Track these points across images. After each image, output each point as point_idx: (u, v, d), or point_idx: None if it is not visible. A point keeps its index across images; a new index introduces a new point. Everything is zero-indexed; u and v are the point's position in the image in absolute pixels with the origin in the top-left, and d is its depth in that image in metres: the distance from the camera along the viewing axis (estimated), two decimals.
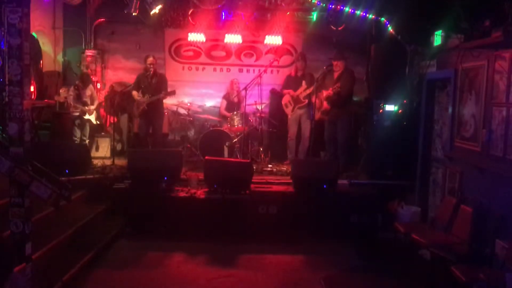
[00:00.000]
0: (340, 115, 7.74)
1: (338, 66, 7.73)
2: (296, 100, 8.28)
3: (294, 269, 5.54)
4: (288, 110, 8.43)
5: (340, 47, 8.46)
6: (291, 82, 8.41)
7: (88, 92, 8.42)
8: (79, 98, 8.31)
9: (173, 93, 8.13)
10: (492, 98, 5.02)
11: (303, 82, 8.23)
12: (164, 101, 8.67)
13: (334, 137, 7.87)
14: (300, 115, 8.34)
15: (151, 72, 8.12)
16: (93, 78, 9.15)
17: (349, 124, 7.87)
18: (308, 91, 8.15)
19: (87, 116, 8.33)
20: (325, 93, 7.69)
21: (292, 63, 9.18)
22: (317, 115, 7.86)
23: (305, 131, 8.27)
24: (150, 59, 8.09)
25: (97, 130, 8.74)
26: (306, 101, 8.21)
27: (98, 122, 8.55)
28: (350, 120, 7.93)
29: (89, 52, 9.31)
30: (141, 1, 7.37)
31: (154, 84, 8.15)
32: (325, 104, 7.74)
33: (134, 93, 8.21)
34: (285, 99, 8.44)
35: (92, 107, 8.39)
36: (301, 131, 8.37)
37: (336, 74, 7.73)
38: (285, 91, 8.42)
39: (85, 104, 8.34)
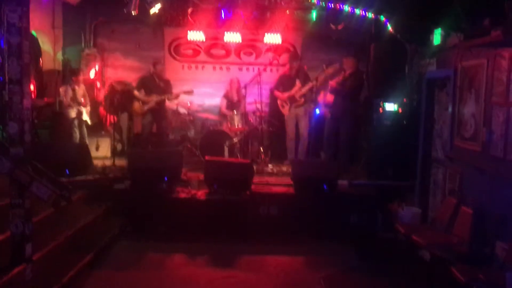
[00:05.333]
0: (343, 112, 7.72)
1: (348, 65, 7.73)
2: (292, 100, 8.27)
3: (295, 269, 5.56)
4: (284, 110, 8.43)
5: (343, 46, 8.47)
6: (285, 82, 8.42)
7: (81, 92, 8.43)
8: (75, 97, 8.31)
9: (190, 92, 8.44)
10: (492, 97, 5.01)
11: (297, 81, 8.23)
12: None
13: (335, 135, 7.85)
14: (297, 114, 8.35)
15: (159, 77, 8.41)
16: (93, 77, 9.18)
17: (352, 125, 7.87)
18: (303, 90, 8.15)
19: (84, 117, 8.35)
20: (329, 84, 7.70)
21: None
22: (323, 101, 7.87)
23: (304, 130, 8.28)
24: (159, 67, 8.46)
25: (93, 130, 8.73)
26: (303, 99, 8.21)
27: (90, 123, 8.56)
28: (355, 121, 7.94)
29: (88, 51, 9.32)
30: (140, 0, 7.35)
31: (162, 88, 8.38)
32: (328, 96, 7.74)
33: (136, 93, 8.36)
34: (280, 99, 8.43)
35: (88, 108, 8.45)
36: (300, 130, 8.37)
37: (347, 73, 7.72)
38: (276, 93, 8.43)
39: (80, 104, 8.35)
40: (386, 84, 7.55)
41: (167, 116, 8.81)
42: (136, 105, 8.45)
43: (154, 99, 8.29)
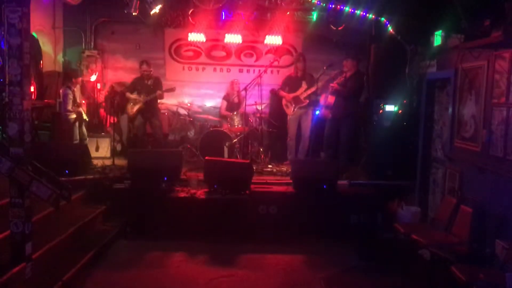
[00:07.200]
0: (344, 113, 7.73)
1: (348, 67, 7.74)
2: (296, 100, 8.28)
3: (294, 269, 5.55)
4: (288, 110, 8.42)
5: (344, 47, 8.48)
6: (291, 83, 8.41)
7: (78, 93, 8.43)
8: (75, 100, 8.31)
9: (172, 89, 8.32)
10: (492, 98, 5.02)
11: (303, 83, 8.24)
12: (164, 100, 8.79)
13: (335, 135, 7.85)
14: (300, 115, 8.35)
15: (147, 76, 8.38)
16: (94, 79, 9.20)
17: (353, 126, 7.88)
18: (308, 91, 8.16)
19: (84, 117, 8.37)
20: (330, 86, 7.72)
21: (292, 64, 9.16)
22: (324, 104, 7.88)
23: (305, 131, 8.29)
24: (144, 67, 8.38)
25: (93, 130, 8.74)
26: (307, 101, 8.22)
27: (88, 120, 8.60)
28: (355, 122, 7.94)
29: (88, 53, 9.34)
30: (141, 1, 7.36)
31: (150, 86, 8.34)
32: (329, 97, 7.75)
33: (128, 94, 8.40)
34: (286, 99, 8.44)
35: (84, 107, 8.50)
36: (301, 131, 8.38)
37: (348, 74, 7.73)
38: (282, 93, 8.44)
39: (80, 105, 8.36)
40: (386, 85, 7.56)
41: (160, 115, 8.72)
42: (128, 107, 8.45)
43: (141, 99, 8.27)
